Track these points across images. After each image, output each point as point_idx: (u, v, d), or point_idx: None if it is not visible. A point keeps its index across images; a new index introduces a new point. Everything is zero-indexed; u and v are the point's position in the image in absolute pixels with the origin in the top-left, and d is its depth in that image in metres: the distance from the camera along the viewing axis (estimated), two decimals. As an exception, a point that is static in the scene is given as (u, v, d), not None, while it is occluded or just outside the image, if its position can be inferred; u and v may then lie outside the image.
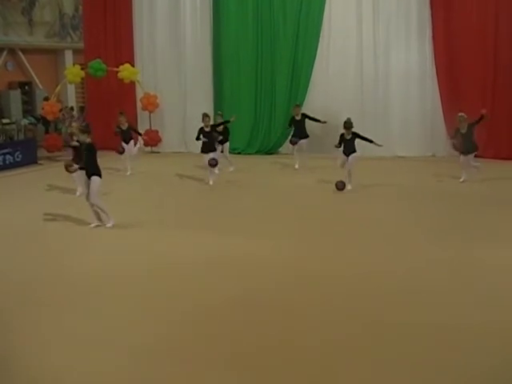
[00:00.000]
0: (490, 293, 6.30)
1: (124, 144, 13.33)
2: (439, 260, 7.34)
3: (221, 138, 13.05)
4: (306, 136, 13.65)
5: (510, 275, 6.81)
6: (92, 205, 8.90)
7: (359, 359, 4.90)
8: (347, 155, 11.47)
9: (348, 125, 11.47)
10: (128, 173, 13.43)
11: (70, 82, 17.33)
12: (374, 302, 6.06)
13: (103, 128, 17.48)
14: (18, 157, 14.72)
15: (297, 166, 13.73)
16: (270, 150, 16.36)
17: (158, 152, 16.77)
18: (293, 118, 13.81)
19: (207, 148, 12.20)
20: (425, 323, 5.52)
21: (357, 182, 11.63)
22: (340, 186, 11.24)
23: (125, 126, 13.36)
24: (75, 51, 19.34)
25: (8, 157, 14.50)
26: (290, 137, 14.38)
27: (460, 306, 5.91)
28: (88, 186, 8.87)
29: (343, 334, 5.37)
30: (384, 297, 6.21)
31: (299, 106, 14.17)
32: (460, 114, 12.02)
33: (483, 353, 4.95)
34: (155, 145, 16.73)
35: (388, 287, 6.48)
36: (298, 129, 13.65)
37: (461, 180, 12.08)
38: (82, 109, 18.30)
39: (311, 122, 13.75)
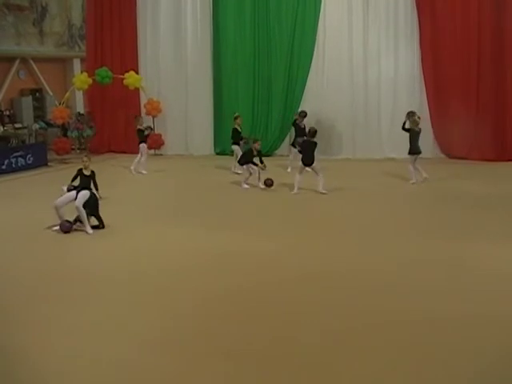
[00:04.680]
0: (478, 287, 6.32)
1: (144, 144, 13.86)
2: (431, 256, 7.33)
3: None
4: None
5: (496, 270, 6.82)
6: (59, 208, 8.85)
7: (358, 352, 4.87)
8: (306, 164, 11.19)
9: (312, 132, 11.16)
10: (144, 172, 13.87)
11: (78, 89, 17.53)
12: (371, 298, 6.03)
13: (110, 132, 17.82)
14: (29, 159, 14.83)
15: (289, 170, 13.70)
16: (267, 153, 16.58)
17: (161, 154, 16.91)
18: (295, 121, 13.92)
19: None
20: (419, 317, 5.51)
21: (351, 183, 11.71)
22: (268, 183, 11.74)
23: (144, 126, 13.94)
24: (83, 60, 19.33)
25: (20, 159, 14.62)
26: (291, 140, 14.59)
27: (451, 301, 5.91)
28: (66, 200, 8.93)
29: (342, 329, 5.35)
30: (381, 293, 6.17)
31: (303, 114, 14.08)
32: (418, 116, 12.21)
33: (475, 343, 4.97)
34: (158, 148, 16.93)
35: (384, 284, 6.45)
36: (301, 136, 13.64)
37: (412, 181, 12.01)
38: (80, 115, 18.22)
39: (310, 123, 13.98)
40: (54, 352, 4.99)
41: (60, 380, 4.59)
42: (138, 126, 14.03)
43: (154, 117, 16.79)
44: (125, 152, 17.23)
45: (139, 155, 13.92)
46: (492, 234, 8.34)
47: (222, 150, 17.02)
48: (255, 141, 12.31)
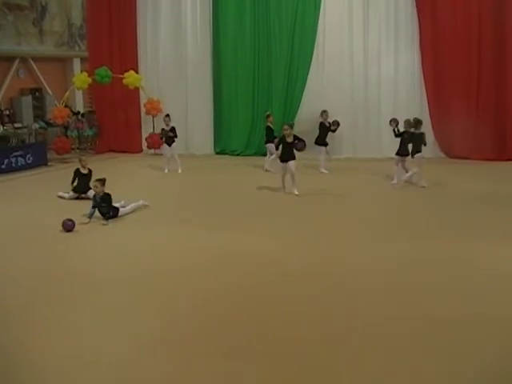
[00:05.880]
0: (478, 287, 6.32)
1: (166, 145, 13.83)
2: (431, 256, 7.33)
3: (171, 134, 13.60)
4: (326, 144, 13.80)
5: (496, 270, 6.83)
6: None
7: (358, 352, 4.87)
8: (286, 161, 10.91)
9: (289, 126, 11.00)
10: (179, 171, 13.86)
11: (78, 89, 17.54)
12: (371, 298, 6.02)
13: (110, 131, 17.81)
14: (29, 159, 14.83)
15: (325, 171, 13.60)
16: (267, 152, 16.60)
17: (161, 154, 16.98)
18: (322, 123, 13.85)
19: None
20: (419, 317, 5.50)
21: (352, 182, 11.71)
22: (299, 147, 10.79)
23: (169, 127, 13.75)
24: (83, 59, 19.37)
25: (20, 159, 14.62)
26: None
27: (451, 301, 5.92)
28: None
29: (342, 328, 5.35)
30: (381, 293, 6.17)
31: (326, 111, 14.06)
32: (407, 119, 12.13)
33: (475, 343, 4.98)
34: (158, 147, 16.94)
35: (384, 284, 6.45)
36: (323, 136, 13.72)
37: (394, 182, 11.97)
38: (80, 114, 18.27)
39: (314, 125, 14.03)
40: (53, 352, 4.99)
41: (60, 380, 4.59)
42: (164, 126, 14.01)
43: (153, 116, 16.81)
44: (125, 151, 17.28)
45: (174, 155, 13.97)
46: (492, 234, 8.35)
47: (222, 150, 17.02)
48: (284, 126, 11.29)
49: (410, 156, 11.79)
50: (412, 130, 11.60)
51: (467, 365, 4.69)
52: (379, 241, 8.13)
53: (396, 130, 11.93)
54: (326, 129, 13.71)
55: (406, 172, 11.94)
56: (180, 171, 13.88)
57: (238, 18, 16.43)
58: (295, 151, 10.96)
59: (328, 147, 13.80)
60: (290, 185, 11.12)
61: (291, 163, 10.92)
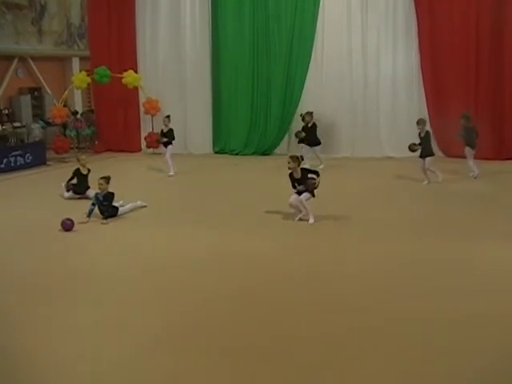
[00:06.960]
0: (478, 287, 6.31)
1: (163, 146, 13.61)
2: (431, 256, 7.33)
3: (165, 139, 13.29)
4: (319, 143, 13.86)
5: (497, 269, 6.82)
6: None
7: (358, 352, 4.87)
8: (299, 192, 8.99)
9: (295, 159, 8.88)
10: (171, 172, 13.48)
11: (77, 88, 17.53)
12: (371, 298, 6.02)
13: (109, 130, 17.78)
14: (28, 158, 14.85)
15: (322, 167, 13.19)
16: (266, 151, 16.58)
17: (160, 153, 16.98)
18: (306, 125, 13.96)
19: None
20: (419, 317, 5.50)
21: (350, 182, 11.66)
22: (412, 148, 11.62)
23: (167, 128, 13.52)
24: (82, 59, 19.34)
25: (19, 158, 14.64)
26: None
27: (451, 300, 5.92)
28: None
29: (342, 328, 5.35)
30: (381, 293, 6.17)
31: (311, 113, 14.09)
32: (420, 118, 12.34)
33: (475, 343, 4.97)
34: (157, 147, 16.90)
35: (384, 284, 6.45)
36: (310, 136, 13.79)
37: (425, 183, 11.97)
38: (78, 113, 18.26)
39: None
40: (54, 352, 4.98)
41: (60, 380, 4.58)
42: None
43: (152, 115, 16.79)
44: (124, 151, 17.26)
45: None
46: (492, 234, 8.33)
47: (220, 149, 17.01)
48: (288, 159, 9.12)
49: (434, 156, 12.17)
50: (470, 125, 12.04)
51: (467, 365, 4.68)
52: (379, 241, 8.11)
53: (417, 147, 11.99)
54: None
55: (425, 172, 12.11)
56: (172, 173, 13.49)
57: (237, 18, 16.41)
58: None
59: (318, 147, 13.88)
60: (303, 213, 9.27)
61: (304, 195, 9.01)
